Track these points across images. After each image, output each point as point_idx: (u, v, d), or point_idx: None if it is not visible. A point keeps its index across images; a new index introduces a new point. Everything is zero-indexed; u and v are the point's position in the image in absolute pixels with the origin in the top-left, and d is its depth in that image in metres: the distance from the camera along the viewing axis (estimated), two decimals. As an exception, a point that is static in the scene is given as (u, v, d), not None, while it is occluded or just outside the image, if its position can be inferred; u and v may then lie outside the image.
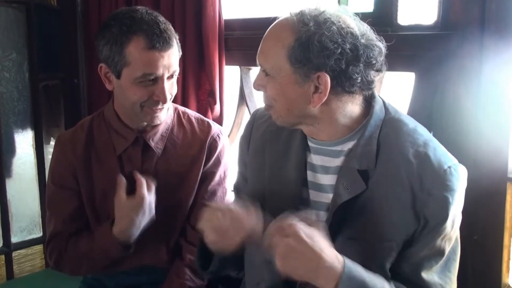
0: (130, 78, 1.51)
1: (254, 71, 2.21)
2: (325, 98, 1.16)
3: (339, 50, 1.12)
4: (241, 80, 2.21)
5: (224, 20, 2.06)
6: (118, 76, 1.53)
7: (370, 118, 1.21)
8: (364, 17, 1.62)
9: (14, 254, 2.58)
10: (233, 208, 1.21)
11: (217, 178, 1.72)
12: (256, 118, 1.45)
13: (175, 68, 1.55)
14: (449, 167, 1.15)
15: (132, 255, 1.63)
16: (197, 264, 1.40)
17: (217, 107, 2.06)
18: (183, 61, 2.07)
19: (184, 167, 1.68)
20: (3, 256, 2.55)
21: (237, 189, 1.52)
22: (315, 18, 1.13)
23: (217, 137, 1.73)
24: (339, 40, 1.12)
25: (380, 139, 1.20)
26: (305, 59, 1.13)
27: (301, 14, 1.15)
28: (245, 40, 2.05)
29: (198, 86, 2.12)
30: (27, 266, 2.64)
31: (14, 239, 2.57)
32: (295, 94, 1.18)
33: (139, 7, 1.59)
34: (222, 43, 2.05)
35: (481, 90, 1.44)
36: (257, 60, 1.23)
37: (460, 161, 1.19)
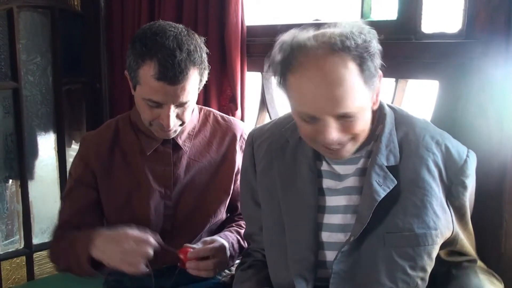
0: (140, 96, 1.55)
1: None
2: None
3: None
4: (262, 86, 2.21)
5: (246, 26, 2.07)
6: (134, 89, 1.58)
7: (385, 117, 1.27)
8: (388, 25, 1.64)
9: (35, 255, 2.61)
10: None
11: None
12: (255, 138, 1.45)
13: (185, 100, 1.53)
14: (467, 156, 1.26)
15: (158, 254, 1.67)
16: None
17: (238, 113, 2.07)
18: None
19: (215, 163, 1.71)
20: (24, 257, 2.58)
21: (248, 215, 1.51)
22: (352, 35, 1.12)
23: (243, 135, 1.78)
24: (374, 41, 1.16)
25: (399, 136, 1.27)
26: (376, 70, 1.16)
27: (339, 40, 1.11)
28: (267, 46, 2.02)
29: (220, 91, 2.13)
30: (48, 267, 2.66)
31: (35, 241, 2.60)
32: (370, 107, 1.21)
33: (172, 28, 1.53)
34: (244, 49, 2.06)
35: (506, 99, 1.43)
36: (331, 113, 1.13)
37: (484, 170, 1.31)
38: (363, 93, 1.13)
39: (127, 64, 1.57)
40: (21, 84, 2.43)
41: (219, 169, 1.74)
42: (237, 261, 1.65)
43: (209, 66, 1.62)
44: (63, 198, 1.75)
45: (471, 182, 1.27)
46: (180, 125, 1.62)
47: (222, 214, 1.79)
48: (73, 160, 1.77)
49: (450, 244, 1.28)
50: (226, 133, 1.77)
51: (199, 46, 1.55)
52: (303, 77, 1.13)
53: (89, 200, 1.70)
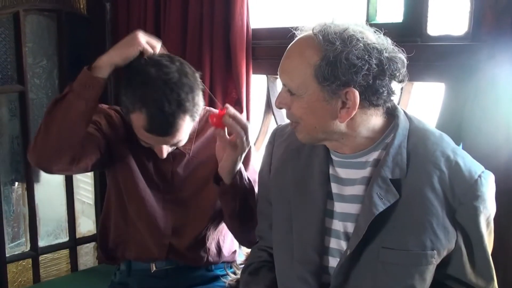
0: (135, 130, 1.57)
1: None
2: (354, 113, 1.16)
3: (366, 66, 1.12)
4: (268, 88, 2.21)
5: (252, 29, 2.07)
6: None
7: (397, 127, 1.22)
8: (393, 27, 1.64)
9: (41, 258, 2.61)
10: None
11: (250, 167, 1.74)
12: (277, 137, 1.46)
13: (177, 141, 1.56)
14: (479, 176, 1.16)
15: (160, 242, 1.69)
16: None
17: (243, 116, 2.07)
18: (210, 69, 2.09)
19: (214, 159, 1.71)
20: (30, 260, 2.58)
21: (260, 212, 1.52)
22: (340, 36, 1.13)
23: None
24: (366, 56, 1.12)
25: (409, 148, 1.21)
26: (333, 76, 1.13)
27: (325, 32, 1.14)
28: (272, 49, 2.06)
29: (225, 94, 2.13)
30: (54, 270, 2.67)
31: (41, 243, 2.61)
32: (323, 111, 1.18)
33: (162, 71, 1.50)
34: (249, 52, 2.06)
35: (512, 102, 1.43)
36: (280, 78, 1.23)
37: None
38: (308, 83, 1.16)
39: (120, 100, 1.57)
40: (27, 87, 2.44)
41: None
42: (241, 266, 1.64)
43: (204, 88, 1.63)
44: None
45: (484, 207, 1.17)
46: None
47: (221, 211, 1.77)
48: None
49: (445, 264, 1.22)
50: None
51: (191, 88, 1.53)
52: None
53: (98, 140, 1.64)
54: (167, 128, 1.48)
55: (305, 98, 1.18)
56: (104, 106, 1.73)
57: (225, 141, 1.46)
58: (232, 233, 1.70)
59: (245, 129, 1.44)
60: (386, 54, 1.14)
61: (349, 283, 1.21)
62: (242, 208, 1.55)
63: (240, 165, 1.52)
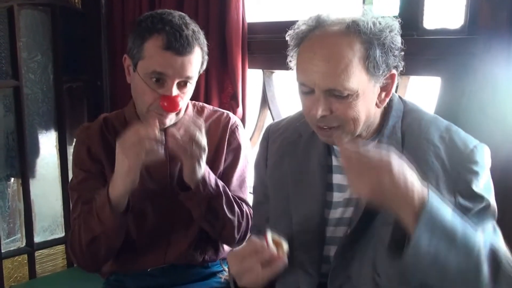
0: (142, 72, 1.52)
1: (277, 74, 2.21)
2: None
3: (399, 49, 1.18)
4: (264, 83, 2.21)
5: (247, 23, 2.06)
6: (135, 68, 1.55)
7: (391, 109, 1.25)
8: (389, 21, 1.62)
9: (37, 253, 2.61)
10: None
11: (242, 162, 1.74)
12: (271, 133, 1.46)
13: (189, 74, 1.53)
14: (475, 146, 1.19)
15: (155, 250, 1.67)
16: None
17: (239, 110, 2.07)
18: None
19: (209, 154, 1.70)
20: (26, 256, 2.58)
21: (257, 206, 1.51)
22: (381, 23, 1.15)
23: (237, 126, 1.76)
24: (398, 39, 1.17)
25: (403, 128, 1.24)
26: (385, 63, 1.15)
27: (364, 23, 1.13)
28: (268, 43, 2.05)
29: (221, 89, 2.12)
30: (49, 265, 2.67)
31: (37, 239, 2.61)
32: (371, 102, 1.19)
33: (176, 12, 1.58)
34: (245, 46, 2.05)
35: (508, 95, 1.42)
36: (319, 86, 1.14)
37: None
38: (361, 79, 1.13)
39: (128, 46, 1.56)
40: (22, 82, 2.43)
41: (215, 161, 1.72)
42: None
43: (208, 59, 1.63)
44: (72, 189, 1.68)
45: (482, 171, 1.18)
46: (177, 113, 1.60)
47: None
48: (73, 153, 1.72)
49: None
50: (218, 125, 1.75)
51: (201, 31, 1.58)
52: (310, 47, 1.17)
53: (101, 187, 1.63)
54: (186, 46, 1.49)
55: (360, 96, 1.15)
56: (81, 137, 1.71)
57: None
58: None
59: (186, 144, 1.44)
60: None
61: (347, 263, 1.22)
62: (208, 213, 1.57)
63: (205, 172, 1.52)
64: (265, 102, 2.24)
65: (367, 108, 1.18)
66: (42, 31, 2.51)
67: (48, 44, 2.53)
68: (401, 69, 1.20)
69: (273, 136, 1.45)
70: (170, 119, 1.59)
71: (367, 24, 1.13)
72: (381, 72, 1.15)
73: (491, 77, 1.44)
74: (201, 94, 2.08)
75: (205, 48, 1.59)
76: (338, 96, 1.14)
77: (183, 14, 1.58)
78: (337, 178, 1.29)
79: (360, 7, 1.78)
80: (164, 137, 1.59)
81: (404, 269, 1.05)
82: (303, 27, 1.20)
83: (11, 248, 2.55)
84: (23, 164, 2.49)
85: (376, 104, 1.20)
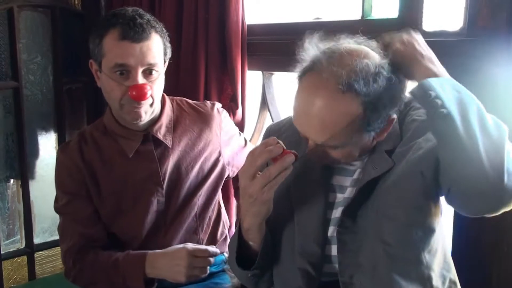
0: (106, 69, 1.55)
1: (276, 76, 2.21)
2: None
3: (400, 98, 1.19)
4: (263, 85, 2.21)
5: (247, 25, 2.06)
6: (101, 69, 1.57)
7: None
8: (389, 23, 1.63)
9: (37, 255, 2.60)
10: None
11: (241, 141, 1.83)
12: (272, 133, 1.46)
13: (151, 61, 1.54)
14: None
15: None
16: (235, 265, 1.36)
17: (239, 112, 2.07)
18: (205, 65, 2.09)
19: (198, 149, 1.73)
20: (25, 257, 2.57)
21: None
22: (367, 74, 1.11)
23: (219, 111, 1.82)
24: (392, 81, 1.15)
25: (399, 119, 1.27)
26: (379, 117, 1.15)
27: (352, 76, 1.09)
28: (267, 45, 2.05)
29: (220, 90, 2.12)
30: (49, 267, 2.66)
31: (37, 240, 2.59)
32: (366, 142, 1.21)
33: (129, 7, 1.62)
34: (244, 48, 2.05)
35: (507, 98, 1.42)
36: (314, 140, 1.18)
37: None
38: (355, 135, 1.16)
39: (90, 49, 1.60)
40: (21, 84, 2.42)
41: (202, 154, 1.74)
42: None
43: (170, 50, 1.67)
44: (60, 213, 1.74)
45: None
46: (151, 105, 1.60)
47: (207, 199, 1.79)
48: (55, 176, 1.75)
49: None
50: (205, 118, 1.77)
51: (160, 23, 1.61)
52: (303, 92, 1.17)
53: (91, 211, 1.69)
54: (141, 32, 1.51)
55: (354, 144, 1.19)
56: (64, 161, 1.71)
57: None
58: None
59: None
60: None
61: (351, 238, 1.24)
62: None
63: None
64: (264, 103, 2.24)
65: (362, 148, 1.22)
66: (42, 32, 2.50)
67: (48, 46, 2.52)
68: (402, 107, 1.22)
69: (274, 136, 1.44)
70: (145, 111, 1.59)
71: (361, 80, 1.10)
72: (376, 124, 1.16)
73: (490, 79, 1.44)
74: (201, 95, 2.09)
75: (166, 37, 1.61)
76: (331, 147, 1.18)
77: (136, 8, 1.61)
78: (338, 179, 1.30)
79: (357, 10, 1.78)
80: (152, 144, 1.66)
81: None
82: (304, 63, 1.19)
83: (11, 250, 2.54)
84: (22, 165, 2.48)
85: (374, 138, 1.22)
